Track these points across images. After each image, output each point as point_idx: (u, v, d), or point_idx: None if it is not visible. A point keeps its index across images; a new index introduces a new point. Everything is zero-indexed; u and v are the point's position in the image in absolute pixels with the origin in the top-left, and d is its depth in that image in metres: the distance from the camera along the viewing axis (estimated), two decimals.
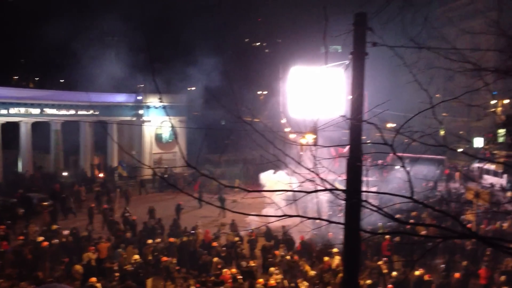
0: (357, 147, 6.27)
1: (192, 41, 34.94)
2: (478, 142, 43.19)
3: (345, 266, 6.97)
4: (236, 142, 44.31)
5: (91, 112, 41.37)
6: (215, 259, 18.77)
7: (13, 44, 46.57)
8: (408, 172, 4.82)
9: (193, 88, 47.70)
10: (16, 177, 37.41)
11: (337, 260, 18.27)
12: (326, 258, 18.82)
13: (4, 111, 36.39)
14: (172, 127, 43.22)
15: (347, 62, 6.35)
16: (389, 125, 19.02)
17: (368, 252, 20.43)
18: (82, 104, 40.71)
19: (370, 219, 7.68)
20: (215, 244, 20.95)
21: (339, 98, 18.53)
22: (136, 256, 18.41)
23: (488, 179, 31.99)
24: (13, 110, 36.98)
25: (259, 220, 22.13)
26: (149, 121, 43.47)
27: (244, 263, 18.56)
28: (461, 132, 41.04)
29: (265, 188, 26.84)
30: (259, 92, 47.98)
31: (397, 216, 5.60)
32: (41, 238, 20.16)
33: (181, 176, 39.07)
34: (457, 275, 17.20)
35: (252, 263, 18.71)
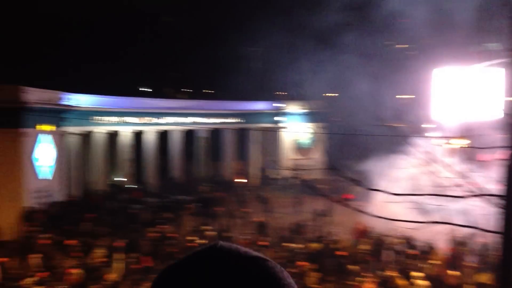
0: None
1: (334, 47, 34.54)
2: None
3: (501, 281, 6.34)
4: (377, 148, 42.68)
5: (235, 120, 43.96)
6: (355, 267, 18.38)
7: (164, 58, 50.56)
8: None
9: (335, 95, 47.25)
10: (169, 181, 40.37)
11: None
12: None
13: (159, 121, 39.78)
14: (313, 133, 43.52)
15: (505, 60, 5.81)
16: None
17: None
18: (227, 113, 43.38)
19: None
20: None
21: (494, 100, 16.96)
22: None
23: None
24: (165, 120, 40.16)
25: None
26: (286, 127, 44.44)
27: (383, 272, 17.86)
28: None
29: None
30: (402, 96, 45.91)
31: None
32: (191, 238, 21.68)
33: (322, 182, 38.82)
34: None
35: (391, 272, 17.90)
